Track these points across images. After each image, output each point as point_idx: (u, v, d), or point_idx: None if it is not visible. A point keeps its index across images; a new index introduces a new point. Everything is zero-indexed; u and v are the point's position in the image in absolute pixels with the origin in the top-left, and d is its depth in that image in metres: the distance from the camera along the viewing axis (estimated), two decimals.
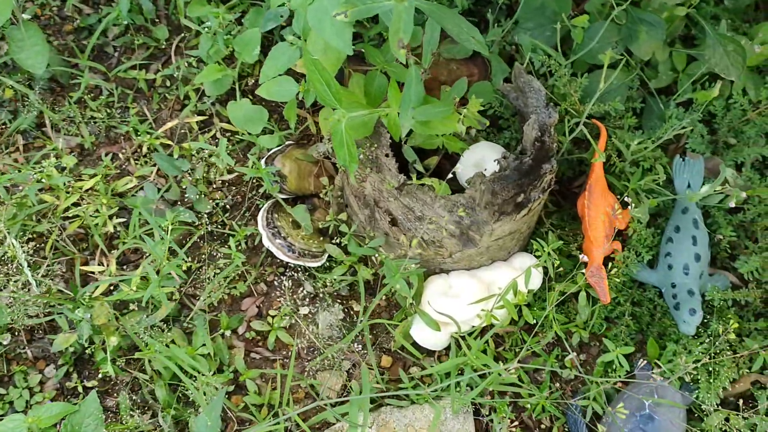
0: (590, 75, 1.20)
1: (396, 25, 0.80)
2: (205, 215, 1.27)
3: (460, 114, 0.99)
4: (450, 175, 1.00)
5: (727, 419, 1.11)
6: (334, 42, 0.90)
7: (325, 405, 1.11)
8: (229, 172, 1.31)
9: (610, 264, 1.16)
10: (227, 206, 1.30)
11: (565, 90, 1.18)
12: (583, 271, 1.14)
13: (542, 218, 1.26)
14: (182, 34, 1.41)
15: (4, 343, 1.17)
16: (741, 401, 1.13)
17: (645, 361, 1.15)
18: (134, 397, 1.16)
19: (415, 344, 1.18)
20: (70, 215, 1.25)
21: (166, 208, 1.25)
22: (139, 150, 1.34)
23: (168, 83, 1.39)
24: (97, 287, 1.19)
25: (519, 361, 1.20)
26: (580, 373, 1.17)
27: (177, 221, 1.18)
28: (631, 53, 1.22)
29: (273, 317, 1.22)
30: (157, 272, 1.09)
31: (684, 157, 1.22)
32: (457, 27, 0.89)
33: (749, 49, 1.18)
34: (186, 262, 1.21)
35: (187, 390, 1.12)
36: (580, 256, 1.11)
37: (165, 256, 1.07)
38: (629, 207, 1.13)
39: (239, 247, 1.25)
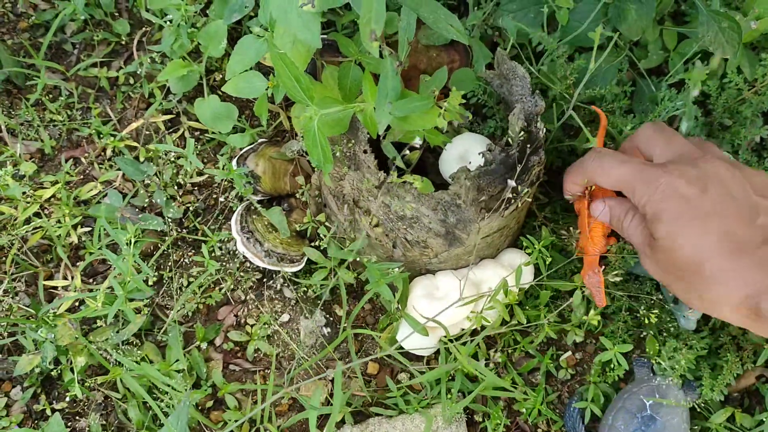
0: (578, 58, 1.14)
1: (366, 15, 0.72)
2: (176, 221, 1.20)
3: (441, 108, 0.92)
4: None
5: (732, 417, 1.06)
6: (301, 34, 0.83)
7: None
8: (199, 174, 1.23)
9: (606, 261, 1.10)
10: (199, 210, 1.22)
11: (561, 72, 1.11)
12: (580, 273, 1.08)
13: (534, 211, 1.20)
14: (144, 29, 1.33)
15: None
16: (746, 397, 1.08)
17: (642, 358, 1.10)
18: (108, 419, 1.10)
19: (402, 350, 1.12)
20: (32, 226, 1.17)
21: (132, 215, 1.18)
22: (103, 153, 1.26)
23: (131, 81, 1.31)
24: (60, 305, 1.11)
25: (512, 363, 1.14)
26: (576, 373, 1.12)
27: (141, 231, 1.11)
28: (619, 34, 1.15)
29: (252, 326, 1.16)
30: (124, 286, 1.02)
31: None
32: (434, 14, 0.82)
33: (745, 26, 1.11)
34: (154, 275, 1.14)
35: (161, 409, 1.05)
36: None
37: (130, 270, 1.00)
38: None
39: (213, 254, 1.18)
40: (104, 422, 1.09)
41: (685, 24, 1.21)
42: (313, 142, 0.89)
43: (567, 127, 1.18)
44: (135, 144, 1.25)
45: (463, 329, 1.10)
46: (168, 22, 1.18)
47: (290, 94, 0.89)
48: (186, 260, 1.19)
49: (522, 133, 1.02)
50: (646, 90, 1.22)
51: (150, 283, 1.13)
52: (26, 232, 1.17)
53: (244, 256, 1.15)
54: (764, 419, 1.04)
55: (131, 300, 1.09)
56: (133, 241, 1.00)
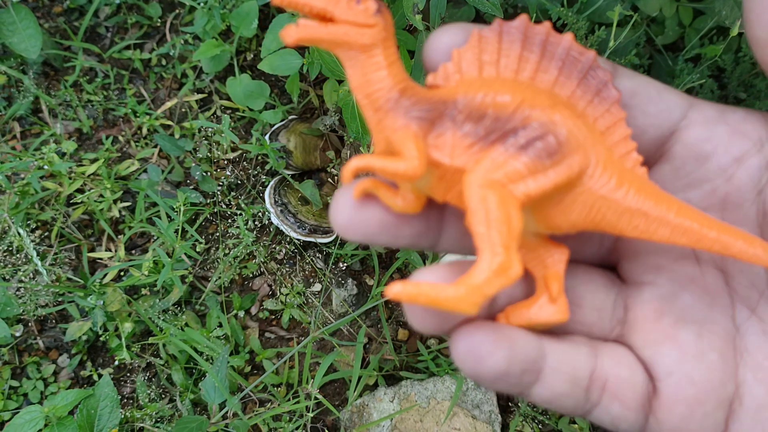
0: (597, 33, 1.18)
1: None
2: (211, 195, 1.25)
3: None
4: None
5: None
6: None
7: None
8: (233, 150, 1.28)
9: None
10: (233, 185, 1.27)
11: (581, 44, 1.15)
12: None
13: None
14: (176, 11, 1.37)
15: (17, 334, 1.15)
16: None
17: None
18: (151, 383, 1.15)
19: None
20: (74, 201, 1.22)
21: (171, 189, 1.23)
22: (138, 132, 1.31)
23: (164, 62, 1.36)
24: (105, 274, 1.16)
25: None
26: None
27: (188, 202, 1.16)
28: (636, 10, 1.19)
29: (286, 295, 1.21)
30: (170, 255, 1.07)
31: None
32: None
33: None
34: (199, 243, 1.19)
35: (204, 373, 1.11)
36: None
37: (178, 239, 1.05)
38: None
39: (248, 226, 1.23)
40: (148, 385, 1.14)
41: (700, 0, 1.25)
42: (351, 115, 0.94)
43: None
44: (169, 122, 1.30)
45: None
46: (201, 4, 1.22)
47: (328, 69, 0.93)
48: (222, 233, 1.24)
49: None
50: (663, 65, 1.27)
51: (198, 249, 1.18)
52: (70, 208, 1.22)
53: (277, 228, 1.20)
54: None
55: (174, 269, 1.14)
56: (182, 209, 1.05)
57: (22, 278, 1.12)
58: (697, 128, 0.30)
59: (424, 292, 0.25)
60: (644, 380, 0.30)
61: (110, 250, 1.21)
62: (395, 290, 0.25)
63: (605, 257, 0.34)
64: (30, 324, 1.16)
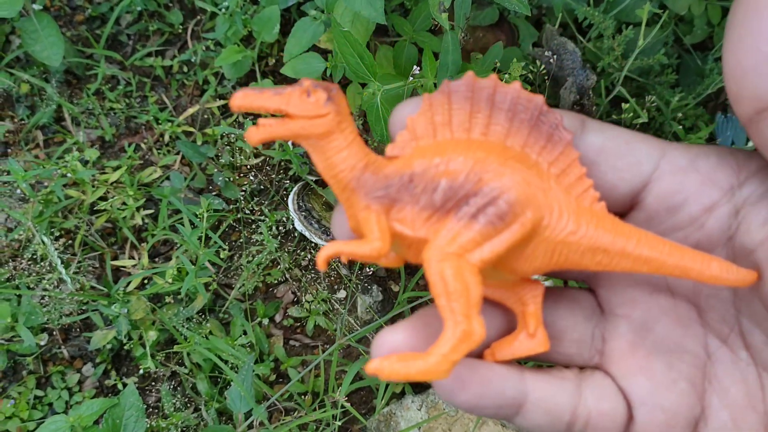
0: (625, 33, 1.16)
1: None
2: (234, 202, 1.24)
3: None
4: None
5: None
6: (365, 12, 0.86)
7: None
8: (256, 156, 1.27)
9: None
10: (256, 191, 1.26)
11: (608, 44, 1.13)
12: None
13: None
14: (197, 17, 1.37)
15: (42, 343, 1.14)
16: None
17: None
18: (175, 392, 1.14)
19: None
20: (97, 209, 1.21)
21: (194, 196, 1.22)
22: (161, 139, 1.30)
23: (185, 69, 1.35)
24: (129, 282, 1.16)
25: None
26: None
27: (211, 209, 1.15)
28: (664, 8, 1.17)
29: (310, 303, 1.19)
30: (193, 263, 1.06)
31: (726, 113, 1.17)
32: None
33: None
34: (223, 249, 1.18)
35: (229, 382, 1.09)
36: None
37: (201, 246, 1.04)
38: None
39: (271, 233, 1.22)
40: (173, 395, 1.13)
41: None
42: (375, 118, 0.92)
43: (616, 99, 1.20)
44: (191, 129, 1.29)
45: None
46: (222, 10, 1.22)
47: (353, 71, 0.92)
48: (245, 240, 1.23)
49: (574, 106, 1.04)
50: (691, 64, 1.24)
51: (222, 256, 1.17)
52: (93, 216, 1.21)
53: (301, 234, 1.19)
54: None
55: (198, 277, 1.13)
56: (205, 215, 1.04)
57: (47, 287, 1.12)
58: (668, 179, 0.31)
59: (398, 369, 0.27)
60: (624, 410, 0.32)
61: (133, 258, 1.20)
62: (374, 366, 0.27)
63: (586, 281, 0.36)
64: (54, 333, 1.16)
